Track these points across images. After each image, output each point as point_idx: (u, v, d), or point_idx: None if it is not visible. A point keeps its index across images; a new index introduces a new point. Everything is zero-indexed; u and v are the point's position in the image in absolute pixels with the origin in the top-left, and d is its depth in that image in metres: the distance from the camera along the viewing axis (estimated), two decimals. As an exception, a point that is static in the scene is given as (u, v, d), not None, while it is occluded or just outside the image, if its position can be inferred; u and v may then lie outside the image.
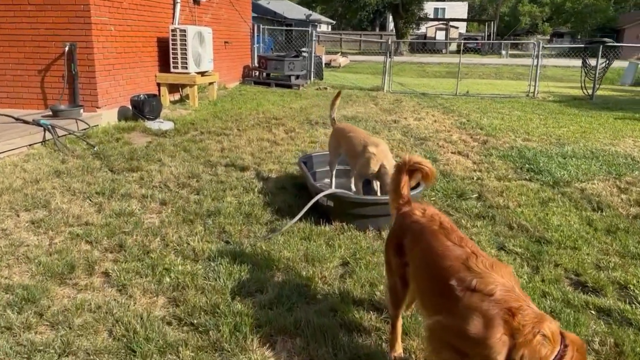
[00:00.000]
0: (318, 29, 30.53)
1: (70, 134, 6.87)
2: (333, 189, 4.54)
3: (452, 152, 7.20)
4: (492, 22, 55.37)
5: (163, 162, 6.03)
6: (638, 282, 3.42)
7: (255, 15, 19.20)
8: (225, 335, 2.69)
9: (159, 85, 9.86)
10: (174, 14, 10.26)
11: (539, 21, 68.65)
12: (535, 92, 14.56)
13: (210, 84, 11.24)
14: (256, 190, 5.16)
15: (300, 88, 14.50)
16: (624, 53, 25.05)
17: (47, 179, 5.23)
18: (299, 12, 37.11)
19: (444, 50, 46.67)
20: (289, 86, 14.53)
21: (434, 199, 5.10)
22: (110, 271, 3.40)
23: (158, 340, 2.66)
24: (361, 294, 3.18)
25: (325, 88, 15.01)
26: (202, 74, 10.42)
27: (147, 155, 6.25)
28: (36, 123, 6.69)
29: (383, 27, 60.51)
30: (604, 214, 4.76)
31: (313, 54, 16.73)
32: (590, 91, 14.27)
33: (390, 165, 4.56)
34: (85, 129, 7.26)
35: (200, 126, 8.15)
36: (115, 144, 6.81)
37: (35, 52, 7.84)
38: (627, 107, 12.88)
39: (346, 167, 5.39)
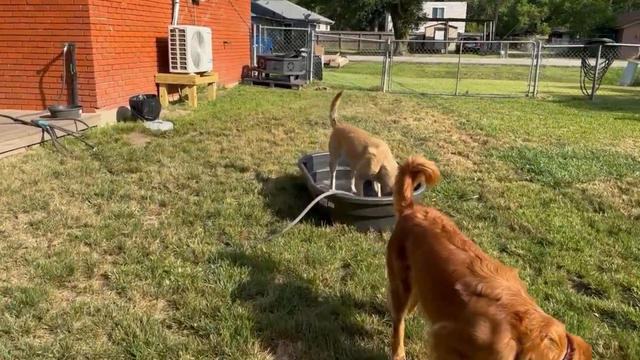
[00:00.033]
0: (317, 29, 30.45)
1: (69, 134, 6.84)
2: (334, 190, 4.51)
3: (452, 153, 7.18)
4: (491, 22, 55.42)
5: (162, 163, 6.00)
6: (641, 284, 3.40)
7: (254, 15, 19.18)
8: (225, 339, 2.66)
9: (157, 85, 9.83)
10: (172, 14, 10.22)
11: (538, 21, 68.71)
12: (535, 92, 14.55)
13: (210, 84, 11.21)
14: (256, 191, 5.13)
15: (299, 88, 14.47)
16: (623, 53, 25.05)
17: (45, 180, 5.20)
18: (297, 12, 37.08)
19: (442, 50, 46.70)
20: (288, 86, 14.50)
21: (434, 200, 5.08)
22: (110, 274, 3.37)
23: (158, 344, 2.63)
24: (363, 296, 3.16)
25: (325, 88, 14.98)
26: (201, 74, 10.39)
27: (146, 156, 6.21)
28: (35, 124, 6.66)
29: (382, 27, 60.48)
30: (605, 215, 4.74)
31: (312, 54, 16.70)
32: (589, 91, 14.27)
33: (391, 166, 4.54)
34: (84, 130, 7.23)
35: (200, 127, 8.12)
36: (114, 144, 6.77)
37: (34, 52, 7.80)
38: (627, 107, 12.88)
39: (346, 168, 5.36)
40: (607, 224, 4.48)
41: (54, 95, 7.85)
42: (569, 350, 1.71)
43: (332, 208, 4.29)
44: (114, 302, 3.04)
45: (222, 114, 9.34)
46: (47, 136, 6.56)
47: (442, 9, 61.19)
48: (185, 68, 9.81)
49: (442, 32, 53.38)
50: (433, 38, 53.05)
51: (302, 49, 17.22)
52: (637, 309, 3.09)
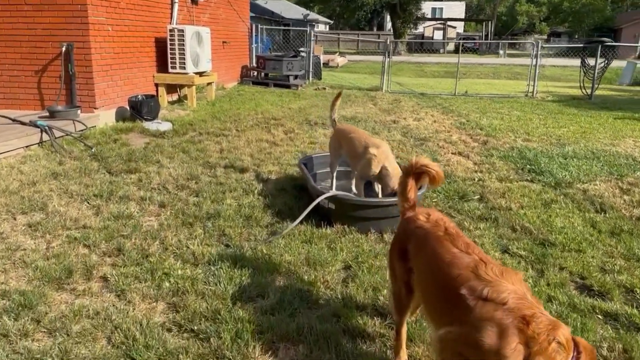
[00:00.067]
0: (316, 29, 30.43)
1: (67, 135, 6.81)
2: (334, 191, 4.48)
3: (452, 153, 7.15)
4: (490, 22, 55.43)
5: (161, 163, 5.97)
6: (644, 285, 3.38)
7: (253, 14, 19.12)
8: (226, 343, 2.63)
9: (156, 85, 9.79)
10: (171, 13, 10.19)
11: (536, 21, 68.75)
12: (534, 92, 14.53)
13: (209, 84, 11.18)
14: (256, 192, 5.10)
15: (298, 88, 14.44)
16: (621, 52, 25.06)
17: (44, 181, 5.17)
18: (296, 12, 37.03)
19: (441, 50, 46.68)
20: (288, 86, 14.47)
21: (435, 200, 5.06)
22: (109, 276, 3.34)
23: (158, 348, 2.60)
24: (364, 298, 3.13)
25: (324, 88, 14.96)
26: (200, 74, 10.36)
27: (145, 157, 6.18)
28: (33, 124, 6.62)
29: (381, 27, 60.45)
30: (607, 215, 4.72)
31: (311, 54, 16.68)
32: (589, 91, 14.25)
33: (391, 166, 4.52)
34: (82, 130, 7.20)
35: (199, 127, 8.09)
36: (113, 145, 6.74)
37: (32, 52, 7.77)
38: (626, 107, 12.87)
39: (347, 169, 5.34)
40: (609, 225, 4.46)
41: (53, 96, 7.81)
42: (575, 353, 1.70)
43: (332, 209, 4.27)
44: (114, 305, 3.01)
45: (221, 114, 9.31)
46: (45, 137, 6.53)
47: (441, 9, 61.17)
48: (184, 68, 9.77)
49: (441, 32, 53.37)
50: (432, 38, 53.04)
51: (301, 49, 17.19)
52: (641, 311, 3.06)
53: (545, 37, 57.11)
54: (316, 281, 3.32)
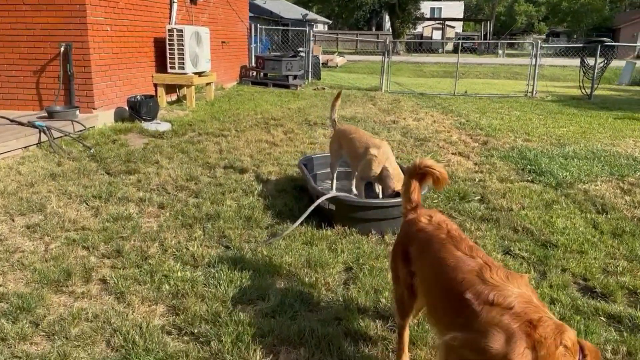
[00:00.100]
0: (314, 29, 30.38)
1: (66, 135, 6.77)
2: (335, 192, 4.46)
3: (452, 153, 7.13)
4: (489, 22, 55.45)
5: (160, 164, 5.94)
6: (647, 287, 3.35)
7: (252, 14, 19.10)
8: (227, 346, 2.60)
9: (155, 85, 9.76)
10: (170, 13, 10.16)
11: (535, 21, 68.81)
12: (534, 92, 14.51)
13: (208, 84, 11.15)
14: (256, 193, 5.08)
15: (298, 88, 14.41)
16: (620, 52, 25.06)
17: (42, 182, 5.14)
18: (295, 12, 37.00)
19: (440, 50, 46.66)
20: (287, 86, 14.44)
21: (436, 201, 5.03)
22: (108, 278, 3.31)
23: (158, 352, 2.57)
24: (366, 301, 3.10)
25: (323, 88, 14.93)
26: (200, 74, 10.33)
27: (145, 157, 6.15)
28: (31, 125, 6.59)
29: (379, 27, 60.45)
30: (609, 216, 4.69)
31: (310, 54, 16.65)
32: (588, 91, 14.24)
33: (392, 167, 4.50)
34: (81, 131, 7.16)
35: (198, 127, 8.06)
36: (112, 145, 6.71)
37: (31, 52, 7.73)
38: (626, 106, 12.86)
39: (347, 169, 5.31)
40: (610, 226, 4.43)
41: (51, 96, 7.78)
42: (580, 356, 1.68)
43: (333, 210, 4.24)
44: (113, 308, 2.98)
45: (220, 115, 9.28)
46: (44, 137, 6.50)
47: (440, 9, 61.18)
48: (183, 68, 9.74)
49: (440, 32, 53.36)
50: (430, 38, 53.05)
51: (300, 49, 17.16)
52: (644, 313, 3.04)
53: (543, 37, 57.08)
54: (317, 283, 3.29)
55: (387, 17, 53.36)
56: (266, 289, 3.20)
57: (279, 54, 16.76)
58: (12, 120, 6.85)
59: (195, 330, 2.76)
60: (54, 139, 6.52)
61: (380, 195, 4.80)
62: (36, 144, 6.44)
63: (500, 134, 8.50)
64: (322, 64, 21.26)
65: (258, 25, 16.79)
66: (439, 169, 2.44)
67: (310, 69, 16.53)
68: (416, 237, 2.35)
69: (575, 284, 3.44)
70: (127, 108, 8.28)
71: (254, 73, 15.42)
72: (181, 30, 9.60)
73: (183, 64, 9.71)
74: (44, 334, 2.73)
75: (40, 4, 7.50)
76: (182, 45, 9.60)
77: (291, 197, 5.00)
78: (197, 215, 4.44)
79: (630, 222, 4.55)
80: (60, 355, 2.53)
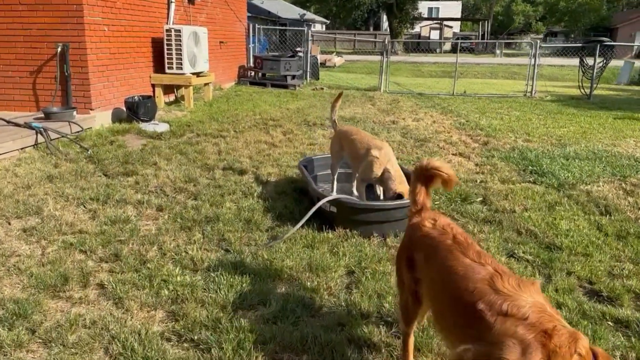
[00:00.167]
0: (312, 29, 30.29)
1: (63, 137, 6.70)
2: (337, 195, 4.40)
3: (453, 154, 7.08)
4: (486, 22, 55.45)
5: (159, 165, 5.88)
6: (654, 290, 3.30)
7: (249, 14, 19.02)
8: (228, 354, 2.54)
9: (153, 86, 9.69)
10: (168, 13, 10.09)
11: (533, 20, 68.85)
12: (533, 92, 14.47)
13: (206, 84, 11.08)
14: (255, 194, 5.02)
15: (296, 88, 14.35)
16: (618, 52, 25.06)
17: (39, 184, 5.07)
18: (293, 12, 36.96)
19: (437, 50, 46.64)
20: (285, 86, 14.38)
21: (437, 203, 4.98)
22: (106, 283, 3.25)
23: (157, 359, 2.51)
24: (369, 306, 3.05)
25: (322, 88, 14.87)
26: (198, 74, 10.26)
27: (143, 159, 6.09)
28: (28, 126, 6.52)
29: (377, 27, 60.41)
30: (612, 218, 4.65)
31: (309, 54, 16.59)
32: (587, 90, 14.20)
33: (394, 169, 4.44)
34: (78, 132, 7.10)
35: (196, 128, 7.99)
36: (110, 147, 6.64)
37: (27, 53, 7.66)
38: (625, 106, 12.83)
39: (347, 171, 5.26)
40: (615, 228, 4.39)
41: (48, 97, 7.70)
42: None
43: (334, 213, 4.18)
44: (111, 314, 2.92)
45: (219, 115, 9.21)
46: (40, 138, 6.43)
47: (437, 9, 61.21)
48: (181, 68, 9.67)
49: (437, 32, 53.37)
50: (428, 37, 53.01)
51: (298, 49, 17.09)
52: (652, 318, 2.99)
53: (541, 36, 57.12)
54: (319, 288, 3.23)
55: (384, 17, 53.33)
56: (267, 293, 3.14)
57: (277, 54, 16.70)
58: (8, 122, 6.78)
59: (196, 337, 2.70)
60: (51, 140, 6.45)
61: (382, 197, 4.75)
62: (33, 145, 6.37)
63: (500, 135, 8.45)
64: (320, 64, 21.20)
65: (256, 25, 16.71)
66: (447, 170, 2.37)
67: (308, 69, 16.47)
68: (421, 242, 2.29)
69: (581, 287, 3.39)
70: (124, 109, 8.21)
71: (252, 73, 15.35)
72: (179, 30, 9.53)
73: (181, 64, 9.64)
74: (40, 341, 2.67)
75: (36, 4, 7.43)
76: (180, 45, 9.53)
77: (291, 199, 4.94)
78: (196, 217, 4.38)
79: (635, 223, 4.50)
80: (57, 363, 2.47)
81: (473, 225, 4.41)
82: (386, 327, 2.85)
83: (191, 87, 9.92)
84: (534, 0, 67.95)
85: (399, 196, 4.27)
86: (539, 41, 15.89)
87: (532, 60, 14.72)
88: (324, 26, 50.62)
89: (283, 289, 3.27)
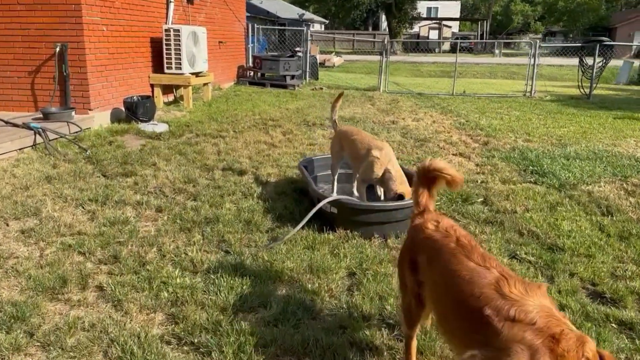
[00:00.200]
0: (311, 29, 30.25)
1: (61, 137, 6.66)
2: (337, 196, 4.38)
3: (453, 154, 7.05)
4: (485, 21, 55.46)
5: (158, 166, 5.84)
6: (658, 292, 3.28)
7: (248, 14, 18.98)
8: (228, 357, 2.52)
9: (152, 86, 9.65)
10: (167, 13, 10.05)
11: (531, 20, 68.86)
12: (532, 92, 14.45)
13: (205, 84, 11.04)
14: (255, 195, 4.98)
15: (295, 88, 14.32)
16: (616, 52, 25.05)
17: (37, 185, 5.04)
18: (292, 12, 36.91)
19: (436, 50, 46.64)
20: (285, 86, 14.35)
21: (438, 203, 4.95)
22: (105, 285, 3.22)
23: (157, 363, 2.48)
24: (370, 308, 3.02)
25: (321, 88, 14.84)
26: (197, 74, 10.22)
27: (142, 159, 6.05)
28: (26, 126, 6.48)
29: (376, 27, 60.38)
30: (614, 218, 4.62)
31: (308, 54, 16.56)
32: (587, 90, 14.18)
33: (394, 169, 4.42)
34: (77, 132, 7.06)
35: (196, 128, 7.96)
36: (108, 147, 6.61)
37: (26, 53, 7.62)
38: (625, 106, 12.81)
39: (347, 171, 5.23)
40: (617, 228, 4.36)
41: (46, 97, 7.67)
42: None
43: (335, 213, 4.15)
44: (110, 316, 2.89)
45: (218, 115, 9.18)
46: (39, 139, 6.39)
47: (436, 8, 61.21)
48: (180, 68, 9.64)
49: (436, 32, 53.38)
50: (427, 37, 53.02)
51: (298, 49, 17.06)
52: (656, 320, 2.96)
53: (540, 36, 57.14)
54: (320, 290, 3.20)
55: (383, 17, 53.31)
56: (268, 295, 3.11)
57: (276, 54, 16.66)
58: (6, 122, 6.74)
59: (196, 340, 2.67)
60: (49, 140, 6.42)
61: (382, 198, 4.72)
62: (31, 145, 6.33)
63: (500, 135, 8.43)
64: (320, 63, 21.17)
65: (255, 25, 16.68)
66: (449, 171, 2.33)
67: (308, 69, 16.44)
68: (424, 244, 2.27)
69: (584, 289, 3.36)
70: (123, 109, 8.18)
71: (252, 73, 15.32)
72: (178, 30, 9.50)
73: (180, 64, 9.61)
74: (39, 344, 2.64)
75: (35, 4, 7.40)
76: (179, 45, 9.50)
77: (291, 199, 4.91)
78: (195, 218, 4.35)
79: (637, 224, 4.48)
80: (56, 367, 2.44)
81: (474, 226, 4.38)
82: (388, 329, 2.82)
83: (190, 87, 9.88)
84: (532, 0, 67.94)
85: (400, 197, 4.25)
86: (538, 41, 15.86)
87: (532, 60, 14.70)
88: (322, 26, 50.57)
89: (284, 290, 3.24)
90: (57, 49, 7.42)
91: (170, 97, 10.51)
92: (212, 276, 3.34)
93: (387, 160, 4.43)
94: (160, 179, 5.38)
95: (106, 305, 3.02)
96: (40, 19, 7.44)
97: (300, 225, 4.08)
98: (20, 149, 6.19)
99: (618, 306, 3.14)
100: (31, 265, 3.46)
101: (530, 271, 3.56)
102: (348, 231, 4.09)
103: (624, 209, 4.88)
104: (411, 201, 2.75)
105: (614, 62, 19.35)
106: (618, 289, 3.30)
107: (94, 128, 7.52)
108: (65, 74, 7.51)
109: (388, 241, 4.02)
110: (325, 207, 4.17)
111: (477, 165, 6.46)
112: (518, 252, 3.83)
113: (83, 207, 4.54)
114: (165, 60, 9.63)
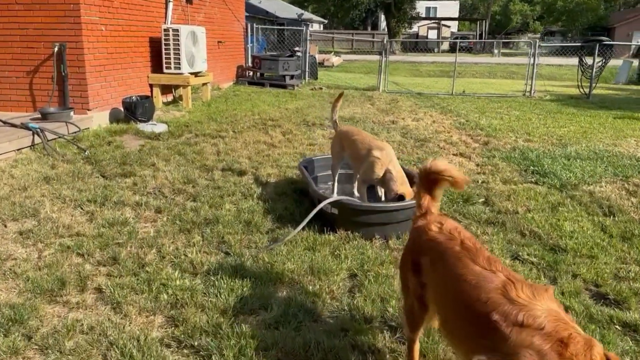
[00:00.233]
0: (310, 28, 30.22)
1: (60, 137, 6.63)
2: (338, 196, 4.34)
3: (453, 154, 7.03)
4: (484, 21, 55.45)
5: (157, 166, 5.81)
6: (661, 293, 3.25)
7: (247, 14, 18.94)
8: (229, 360, 2.49)
9: (151, 86, 9.62)
10: (166, 13, 10.02)
11: (530, 20, 68.86)
12: (532, 91, 14.43)
13: (204, 84, 11.01)
14: (255, 196, 4.95)
15: (295, 88, 14.29)
16: (615, 51, 25.04)
17: (36, 186, 5.00)
18: (290, 12, 36.86)
19: (435, 49, 46.62)
20: (284, 86, 14.32)
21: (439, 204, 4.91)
22: (104, 287, 3.19)
23: (157, 367, 2.45)
24: (372, 310, 2.99)
25: (321, 88, 14.81)
26: (196, 74, 10.19)
27: (141, 160, 6.02)
28: (24, 126, 6.45)
29: (375, 27, 60.36)
30: (616, 219, 4.60)
31: (307, 54, 16.53)
32: (586, 90, 14.16)
33: (395, 170, 4.39)
34: (75, 132, 7.03)
35: (195, 128, 7.93)
36: (107, 147, 6.57)
37: (24, 52, 7.58)
38: (625, 106, 12.79)
39: (348, 172, 5.20)
40: (619, 229, 4.33)
41: (45, 97, 7.63)
42: None
43: (335, 214, 4.12)
44: (109, 319, 2.86)
45: (217, 115, 9.15)
46: (37, 139, 6.35)
47: (435, 8, 61.17)
48: (179, 68, 9.60)
49: (435, 31, 53.36)
50: (426, 37, 53.01)
51: (297, 48, 17.03)
52: (661, 321, 2.94)
53: (538, 36, 57.12)
54: (321, 292, 3.17)
55: (382, 17, 53.29)
56: (268, 297, 3.08)
57: (275, 53, 16.63)
58: (4, 122, 6.71)
59: (196, 343, 2.64)
60: (48, 141, 6.38)
61: (383, 199, 4.69)
62: (29, 146, 6.30)
63: (500, 134, 8.40)
64: (319, 63, 21.14)
65: (254, 24, 16.64)
66: (451, 173, 2.29)
67: (307, 69, 16.41)
68: (427, 247, 2.23)
69: (587, 290, 3.34)
70: (122, 109, 8.14)
71: (251, 73, 15.28)
72: (177, 30, 9.46)
73: (179, 64, 9.58)
74: (37, 347, 2.61)
75: (33, 4, 7.36)
76: (178, 45, 9.46)
77: (292, 200, 4.88)
78: (195, 219, 4.31)
79: (639, 224, 4.45)
80: (54, 371, 2.41)
81: (476, 226, 4.36)
82: (390, 332, 2.79)
83: (189, 87, 9.85)
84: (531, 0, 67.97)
85: (401, 197, 4.22)
86: (538, 40, 15.83)
87: (531, 59, 14.68)
88: (321, 26, 50.53)
89: (284, 292, 3.21)
90: (56, 49, 7.38)
91: (169, 97, 10.47)
92: (212, 278, 3.31)
93: (388, 160, 4.40)
94: (159, 179, 5.35)
95: (105, 308, 2.99)
96: (39, 18, 7.40)
97: (301, 226, 4.05)
98: (18, 150, 6.15)
99: (622, 308, 3.11)
100: (29, 267, 3.42)
101: (533, 272, 3.53)
102: (349, 232, 4.06)
103: (626, 209, 4.85)
104: (413, 202, 2.72)
105: (613, 62, 19.34)
106: (621, 290, 3.27)
107: (92, 128, 7.48)
108: (63, 74, 7.47)
109: (389, 242, 3.99)
110: (326, 208, 4.13)
111: (477, 165, 6.43)
112: (520, 253, 3.81)
113: (82, 208, 4.51)
114: (164, 60, 9.59)
